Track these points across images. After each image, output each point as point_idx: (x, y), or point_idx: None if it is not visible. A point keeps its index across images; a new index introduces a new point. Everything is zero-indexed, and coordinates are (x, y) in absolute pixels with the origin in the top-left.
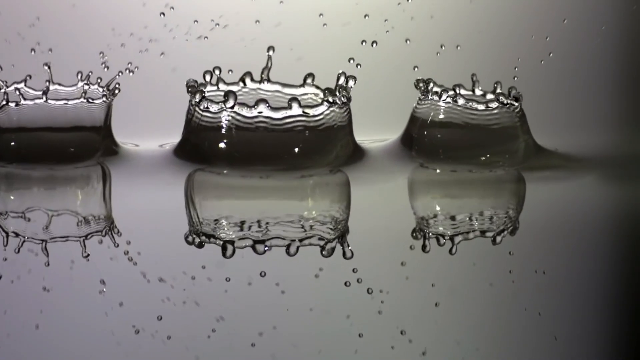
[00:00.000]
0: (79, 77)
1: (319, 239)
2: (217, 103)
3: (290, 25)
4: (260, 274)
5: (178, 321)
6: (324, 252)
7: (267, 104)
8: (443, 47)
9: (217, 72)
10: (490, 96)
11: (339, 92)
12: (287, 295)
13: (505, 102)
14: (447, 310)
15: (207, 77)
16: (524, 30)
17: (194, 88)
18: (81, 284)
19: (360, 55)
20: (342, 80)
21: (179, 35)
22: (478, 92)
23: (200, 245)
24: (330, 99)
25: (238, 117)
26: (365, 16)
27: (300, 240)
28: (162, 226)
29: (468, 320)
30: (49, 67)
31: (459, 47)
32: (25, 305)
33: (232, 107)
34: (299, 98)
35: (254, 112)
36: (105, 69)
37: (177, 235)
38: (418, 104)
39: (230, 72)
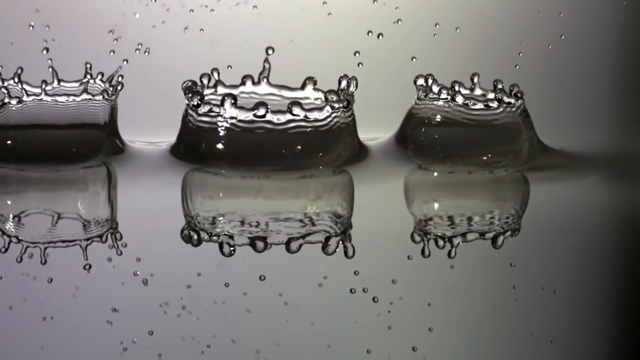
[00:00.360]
0: (86, 66)
1: (324, 232)
2: (215, 107)
3: (292, 14)
4: (260, 277)
5: (171, 336)
6: (326, 249)
7: (267, 108)
8: (437, 26)
9: (215, 74)
10: (490, 95)
11: (342, 96)
12: (290, 307)
13: (506, 101)
14: (456, 320)
15: (205, 80)
16: (529, 9)
17: (190, 90)
18: (79, 288)
19: (356, 43)
20: (343, 84)
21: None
22: (478, 90)
23: (197, 242)
24: (336, 105)
25: (236, 121)
26: (374, 1)
27: (303, 237)
28: (159, 229)
29: (472, 322)
30: (47, 49)
31: (458, 30)
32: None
33: (232, 117)
34: (300, 101)
35: (253, 116)
36: (112, 53)
37: (174, 238)
38: (416, 101)
39: (229, 68)
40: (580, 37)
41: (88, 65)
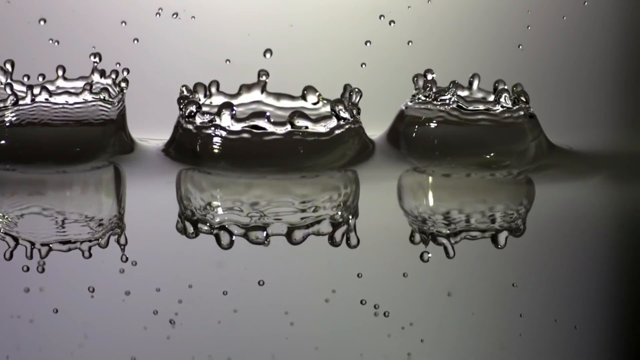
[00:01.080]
0: (93, 57)
1: (329, 217)
2: (213, 116)
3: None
4: (260, 283)
5: (165, 353)
6: (332, 239)
7: (267, 118)
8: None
9: (213, 88)
10: (494, 97)
11: (347, 107)
12: (296, 327)
13: (508, 105)
14: (456, 320)
15: (201, 94)
16: (529, 9)
17: (186, 99)
18: (73, 289)
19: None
20: (347, 95)
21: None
22: (480, 91)
23: (193, 233)
24: (345, 116)
25: (234, 129)
26: None
27: (308, 226)
28: (157, 230)
29: (472, 322)
30: (44, 20)
31: None
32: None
33: (230, 130)
34: (303, 111)
35: (251, 124)
36: (123, 24)
37: (172, 244)
38: (410, 100)
39: (227, 62)
40: (581, 37)
41: (95, 62)
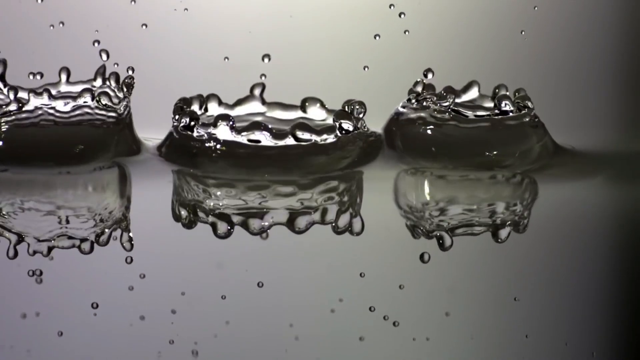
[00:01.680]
0: (101, 56)
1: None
2: (210, 127)
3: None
4: (260, 285)
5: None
6: (336, 226)
7: (265, 128)
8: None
9: (213, 101)
10: (497, 103)
11: (350, 118)
12: (300, 341)
13: (510, 109)
14: (456, 319)
15: (199, 102)
16: (529, 8)
17: (180, 109)
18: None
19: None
20: (348, 108)
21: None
22: (481, 96)
23: (190, 223)
24: (347, 127)
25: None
26: None
27: (310, 213)
28: (155, 230)
29: (473, 322)
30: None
31: None
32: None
33: (224, 144)
34: (305, 122)
35: (251, 136)
36: (132, 2)
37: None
38: (406, 102)
39: (226, 59)
40: (581, 37)
41: (103, 60)
